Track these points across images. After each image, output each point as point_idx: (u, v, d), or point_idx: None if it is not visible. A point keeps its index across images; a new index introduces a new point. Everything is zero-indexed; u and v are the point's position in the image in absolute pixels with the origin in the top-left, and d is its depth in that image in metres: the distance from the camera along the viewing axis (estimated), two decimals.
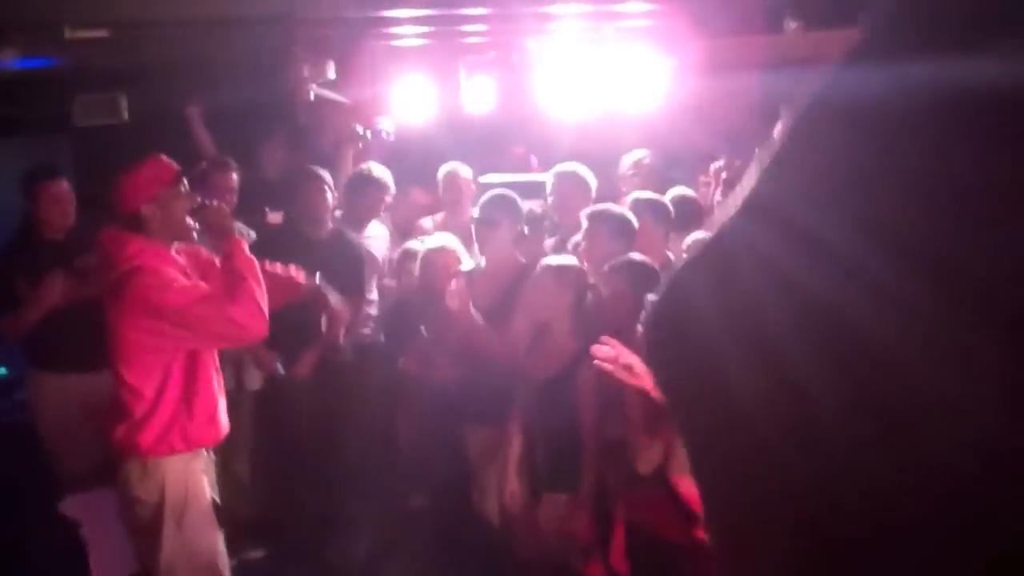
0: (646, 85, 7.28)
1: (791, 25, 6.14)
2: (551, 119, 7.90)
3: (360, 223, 6.68)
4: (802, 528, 0.68)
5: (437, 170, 7.16)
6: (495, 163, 7.86)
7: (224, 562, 4.48)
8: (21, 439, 5.98)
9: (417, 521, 6.18)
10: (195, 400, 4.30)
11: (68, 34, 5.08)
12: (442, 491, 5.91)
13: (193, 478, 4.35)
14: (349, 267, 6.20)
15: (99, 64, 6.56)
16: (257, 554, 6.03)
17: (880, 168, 0.65)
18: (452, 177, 7.07)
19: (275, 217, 5.36)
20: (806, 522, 0.68)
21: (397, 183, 6.92)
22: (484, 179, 7.16)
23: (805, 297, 0.67)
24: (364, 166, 6.83)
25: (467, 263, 5.68)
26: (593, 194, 6.12)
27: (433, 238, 6.12)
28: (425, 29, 6.83)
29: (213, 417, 4.40)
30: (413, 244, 6.25)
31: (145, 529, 4.30)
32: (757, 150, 0.77)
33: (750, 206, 0.72)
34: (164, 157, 4.38)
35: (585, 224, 5.31)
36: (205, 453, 4.45)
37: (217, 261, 4.50)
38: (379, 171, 6.71)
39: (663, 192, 6.01)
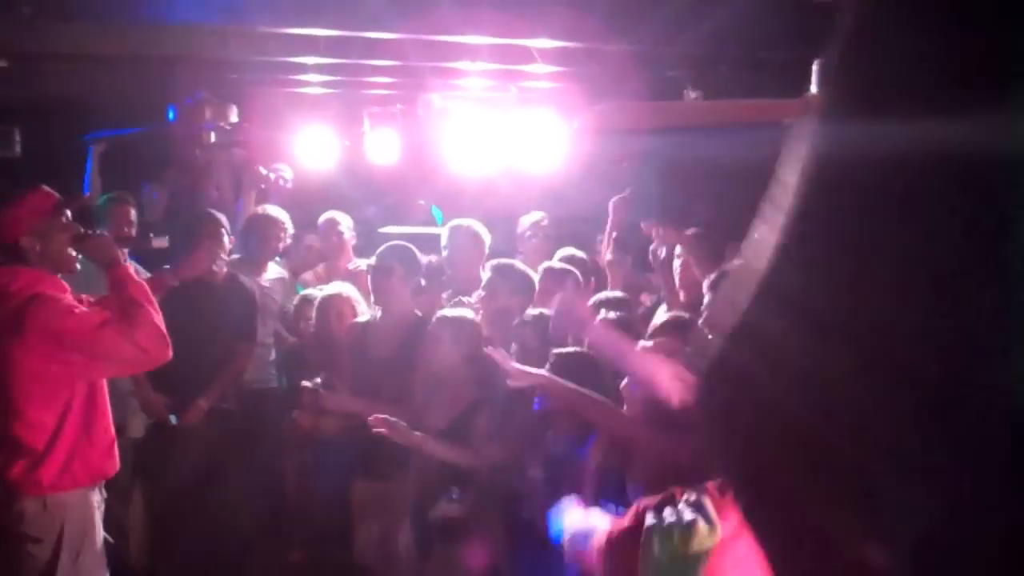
0: (547, 144, 7.37)
1: (691, 95, 6.29)
2: (454, 174, 7.94)
3: (257, 266, 6.62)
4: None
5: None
6: (398, 215, 7.89)
7: None
8: None
9: (298, 573, 6.10)
10: (95, 430, 4.23)
11: None
12: (325, 543, 5.84)
13: (90, 514, 4.26)
14: (242, 312, 6.13)
15: None
16: None
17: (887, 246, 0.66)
18: (331, 225, 7.08)
19: (160, 242, 5.29)
20: None
21: (295, 229, 6.90)
22: (384, 230, 7.18)
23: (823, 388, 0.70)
24: (260, 208, 6.81)
25: (363, 312, 5.68)
26: (486, 250, 6.17)
27: (330, 286, 6.12)
28: (330, 78, 6.83)
29: (111, 448, 4.34)
30: (311, 291, 6.23)
31: (38, 570, 4.16)
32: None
33: (772, 292, 0.73)
34: (44, 188, 4.32)
35: (488, 276, 5.34)
36: (99, 490, 4.35)
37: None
38: (275, 212, 6.69)
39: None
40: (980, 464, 0.62)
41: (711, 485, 2.91)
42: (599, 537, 3.20)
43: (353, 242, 7.13)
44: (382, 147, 8.10)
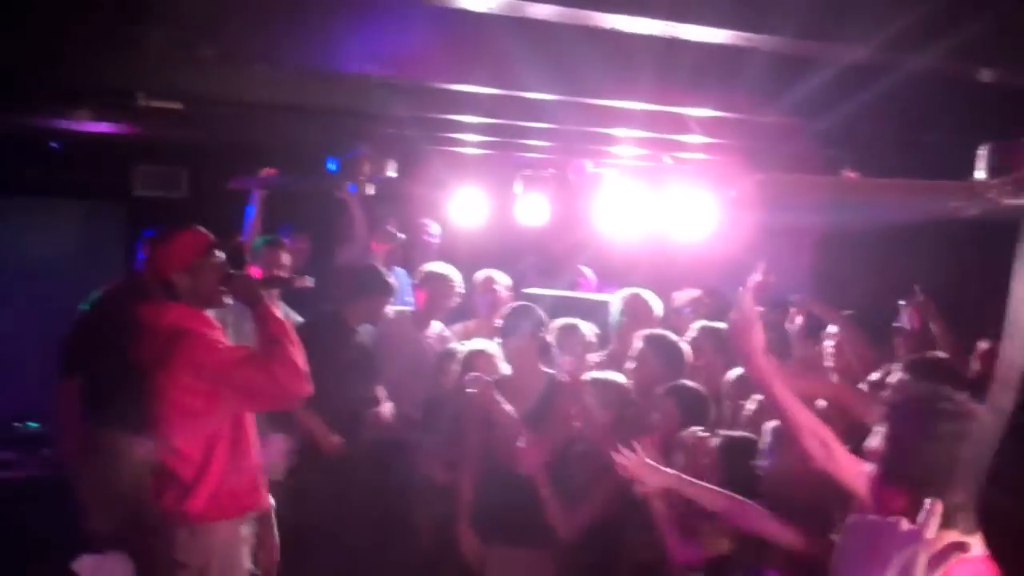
0: (699, 215, 7.32)
1: (849, 174, 6.19)
2: (602, 241, 7.96)
3: (421, 321, 6.75)
4: None
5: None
6: (546, 278, 7.93)
7: None
8: (48, 493, 5.98)
9: None
10: (242, 464, 4.35)
11: (142, 102, 5.18)
12: None
13: (237, 546, 4.37)
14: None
15: (166, 136, 6.70)
16: None
17: None
18: (487, 283, 7.14)
19: (303, 282, 5.46)
20: None
21: None
22: (529, 291, 7.21)
23: None
24: (431, 264, 6.94)
25: (505, 369, 5.69)
26: (657, 320, 6.14)
27: (474, 341, 6.16)
28: (486, 139, 6.93)
29: (258, 482, 4.44)
30: (454, 345, 6.29)
31: None
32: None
33: None
34: (198, 228, 4.50)
35: (639, 346, 5.32)
36: (247, 522, 4.45)
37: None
38: (444, 269, 6.84)
39: None
40: None
41: None
42: None
43: (507, 300, 7.17)
44: (533, 209, 8.18)
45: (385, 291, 6.39)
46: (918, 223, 5.20)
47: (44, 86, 5.25)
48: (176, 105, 5.26)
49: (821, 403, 4.62)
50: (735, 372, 5.13)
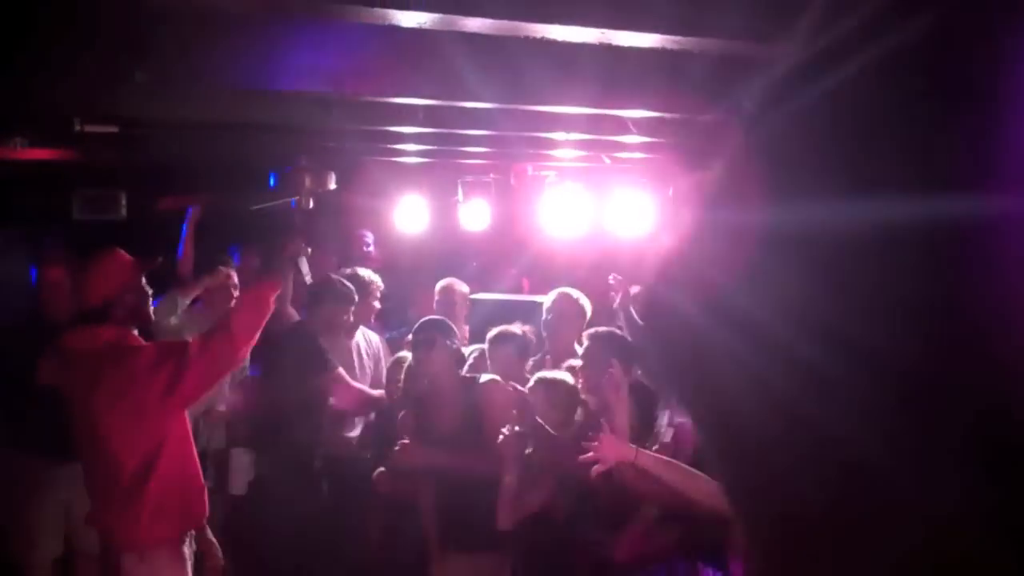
0: (639, 214, 7.40)
1: None
2: (545, 243, 8.01)
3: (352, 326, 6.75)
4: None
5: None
6: (487, 283, 7.95)
7: None
8: None
9: None
10: (188, 476, 4.33)
11: (77, 127, 5.14)
12: None
13: (184, 563, 4.35)
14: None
15: (103, 159, 6.65)
16: None
17: (823, 287, 0.72)
18: (448, 291, 7.14)
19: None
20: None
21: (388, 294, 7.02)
22: (475, 297, 7.23)
23: (768, 387, 0.75)
24: (349, 270, 6.92)
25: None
26: (587, 320, 6.17)
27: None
28: (426, 147, 6.94)
29: (202, 492, 4.43)
30: (403, 354, 6.28)
31: None
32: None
33: (721, 308, 0.80)
34: (119, 251, 4.51)
35: (586, 343, 5.34)
36: (190, 542, 4.43)
37: None
38: (366, 274, 6.83)
39: None
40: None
41: None
42: None
43: (465, 311, 7.15)
44: (474, 215, 8.23)
45: (342, 299, 6.35)
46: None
47: None
48: (112, 129, 5.22)
49: None
50: None
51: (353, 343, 6.77)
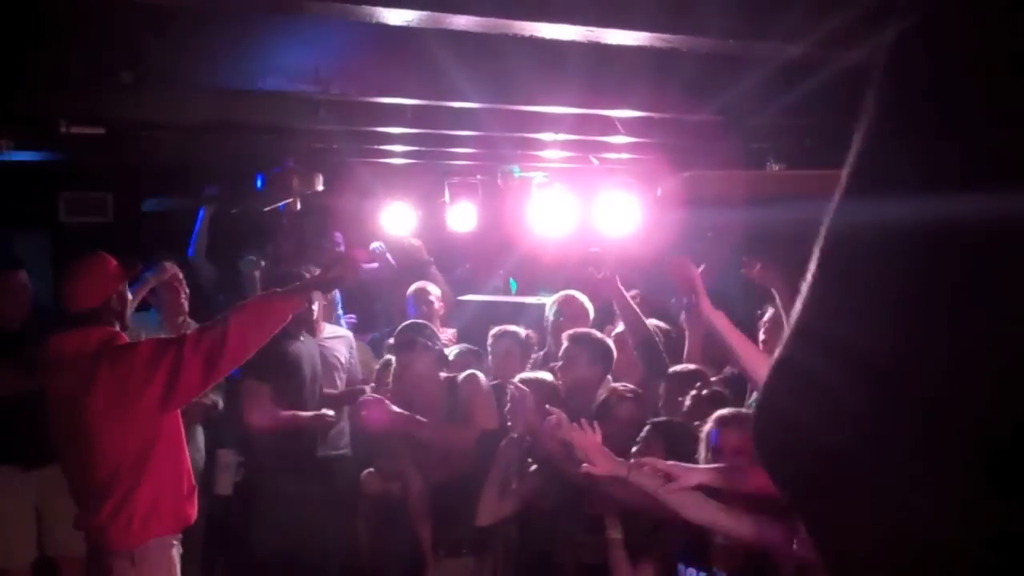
0: (627, 215, 7.40)
1: (773, 167, 6.28)
2: (532, 244, 8.01)
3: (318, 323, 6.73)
4: None
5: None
6: (475, 285, 7.95)
7: None
8: None
9: None
10: (179, 477, 4.32)
11: (64, 129, 5.12)
12: None
13: (174, 565, 4.33)
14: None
15: (89, 162, 6.63)
16: None
17: (899, 294, 0.71)
18: (421, 294, 7.13)
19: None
20: None
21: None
22: (464, 298, 7.23)
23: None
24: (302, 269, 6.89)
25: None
26: (590, 322, 6.17)
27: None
28: (414, 148, 6.94)
29: (193, 493, 4.41)
30: (390, 356, 6.27)
31: None
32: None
33: (802, 334, 0.79)
34: (103, 254, 4.50)
35: (565, 345, 5.34)
36: (178, 544, 4.41)
37: None
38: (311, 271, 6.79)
39: None
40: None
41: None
42: None
43: (441, 312, 7.15)
44: (461, 217, 8.23)
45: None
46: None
47: None
48: (99, 131, 5.20)
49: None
50: (674, 368, 5.19)
51: (318, 340, 6.75)
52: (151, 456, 4.24)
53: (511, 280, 8.71)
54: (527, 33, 3.63)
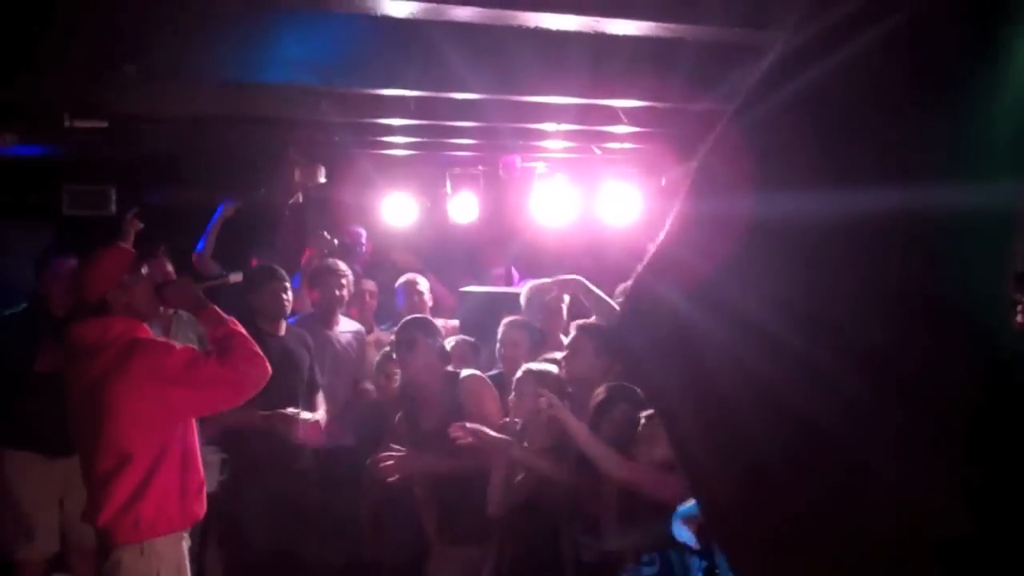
0: (628, 205, 7.42)
1: None
2: (534, 234, 8.02)
3: (326, 318, 6.72)
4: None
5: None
6: (478, 276, 7.95)
7: None
8: None
9: None
10: (189, 473, 4.33)
11: (67, 122, 5.13)
12: None
13: (183, 559, 4.34)
14: (308, 363, 6.28)
15: (92, 154, 6.63)
16: None
17: (807, 275, 0.74)
18: (410, 286, 7.14)
19: (235, 277, 5.40)
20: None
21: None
22: (465, 290, 7.23)
23: (749, 373, 0.76)
24: (325, 260, 6.88)
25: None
26: (565, 313, 6.18)
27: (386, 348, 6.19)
28: (415, 140, 6.94)
29: (201, 489, 4.43)
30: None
31: None
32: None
33: (708, 299, 0.81)
34: (120, 246, 4.52)
35: (573, 334, 5.34)
36: (186, 536, 4.43)
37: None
38: (334, 263, 6.78)
39: None
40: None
41: None
42: None
43: (430, 304, 7.15)
44: (462, 208, 8.24)
45: (268, 276, 6.22)
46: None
47: None
48: (102, 124, 5.21)
49: None
50: None
51: (333, 334, 6.75)
52: (165, 454, 4.26)
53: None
54: (530, 24, 3.64)
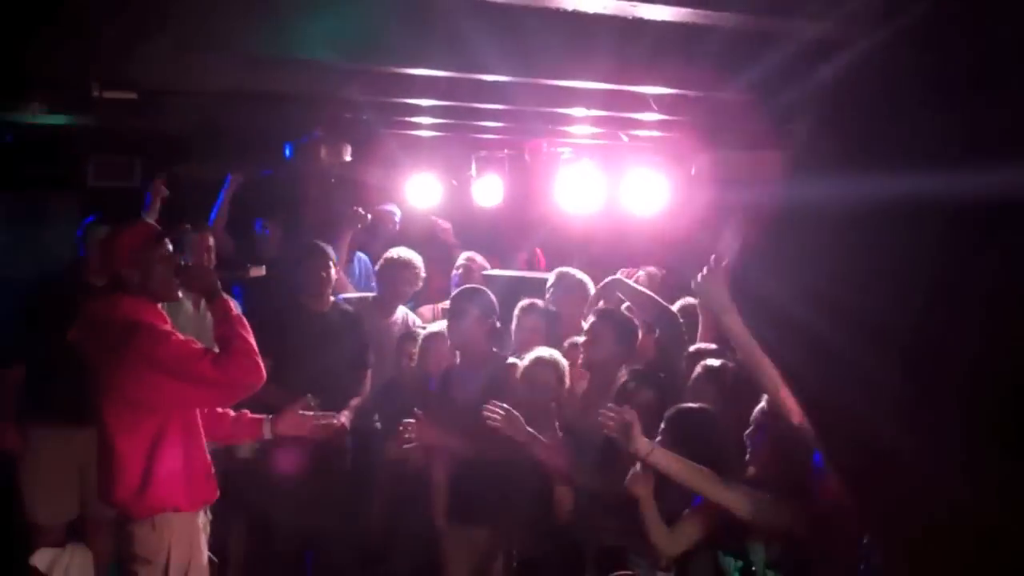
0: (656, 192, 7.38)
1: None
2: (560, 219, 8.00)
3: (385, 308, 6.74)
4: None
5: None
6: (502, 259, 7.94)
7: None
8: None
9: None
10: (193, 456, 4.32)
11: (96, 93, 5.13)
12: None
13: (196, 535, 4.35)
14: (354, 340, 6.24)
15: (120, 126, 6.64)
16: None
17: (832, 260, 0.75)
18: (468, 265, 7.16)
19: (257, 271, 5.41)
20: None
21: None
22: (489, 273, 7.23)
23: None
24: (394, 251, 6.88)
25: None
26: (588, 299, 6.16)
27: (433, 324, 6.18)
28: (442, 121, 6.93)
29: (209, 474, 4.42)
30: (417, 328, 6.29)
31: None
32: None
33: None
34: (144, 220, 4.49)
35: (592, 320, 5.33)
36: (204, 511, 4.45)
37: None
38: (408, 254, 6.80)
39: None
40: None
41: None
42: None
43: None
44: (488, 191, 8.22)
45: (307, 253, 6.27)
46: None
47: None
48: (130, 95, 5.21)
49: None
50: (691, 347, 5.17)
51: (393, 321, 6.77)
52: (157, 434, 4.25)
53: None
54: (556, 6, 3.62)
